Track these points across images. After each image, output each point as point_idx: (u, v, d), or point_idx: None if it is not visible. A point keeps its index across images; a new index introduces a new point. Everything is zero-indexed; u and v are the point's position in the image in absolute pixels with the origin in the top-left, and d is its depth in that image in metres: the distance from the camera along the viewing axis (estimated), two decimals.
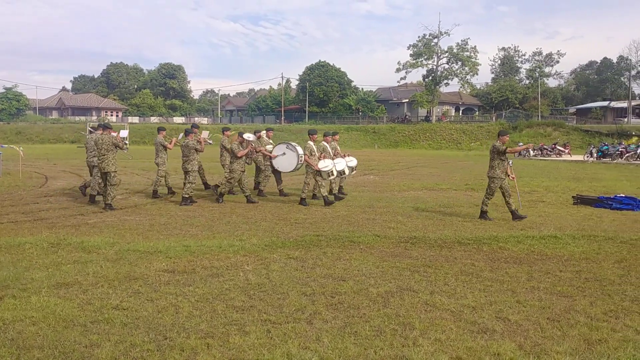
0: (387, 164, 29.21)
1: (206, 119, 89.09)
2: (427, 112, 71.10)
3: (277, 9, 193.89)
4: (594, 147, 37.02)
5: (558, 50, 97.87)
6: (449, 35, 68.11)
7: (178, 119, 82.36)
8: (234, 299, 5.59)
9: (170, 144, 14.12)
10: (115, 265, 6.91)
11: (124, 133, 15.45)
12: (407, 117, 71.59)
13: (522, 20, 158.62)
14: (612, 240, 8.70)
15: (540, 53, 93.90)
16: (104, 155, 11.83)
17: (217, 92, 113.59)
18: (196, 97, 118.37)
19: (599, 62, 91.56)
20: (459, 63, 66.72)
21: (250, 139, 13.41)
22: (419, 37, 69.84)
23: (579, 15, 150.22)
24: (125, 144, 15.97)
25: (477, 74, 67.70)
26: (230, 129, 15.46)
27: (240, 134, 13.37)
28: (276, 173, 14.56)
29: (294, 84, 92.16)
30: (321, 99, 77.49)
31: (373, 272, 6.72)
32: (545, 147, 40.73)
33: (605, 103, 74.55)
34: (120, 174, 20.50)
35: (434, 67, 67.36)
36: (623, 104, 69.68)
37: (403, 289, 5.99)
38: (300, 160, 13.72)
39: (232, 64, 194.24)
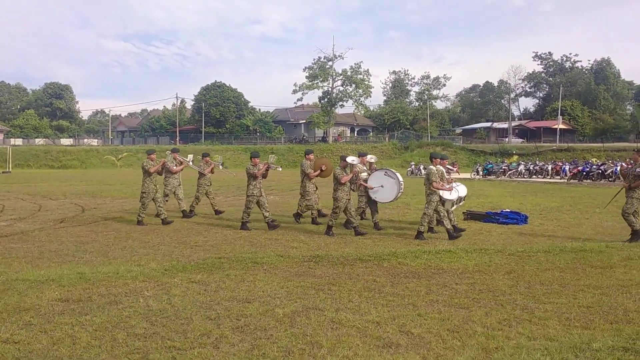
0: (286, 184, 29.30)
1: (96, 140, 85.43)
2: (324, 132, 72.53)
3: (169, 28, 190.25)
4: (479, 166, 39.34)
5: (444, 74, 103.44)
6: (342, 58, 70.25)
7: (65, 141, 78.34)
8: (135, 327, 5.36)
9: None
10: (2, 296, 6.41)
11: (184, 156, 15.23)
12: (304, 137, 72.61)
13: (410, 45, 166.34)
14: (501, 253, 9.23)
15: (428, 77, 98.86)
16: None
17: (107, 112, 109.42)
18: (85, 117, 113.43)
19: (482, 85, 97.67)
20: (353, 85, 68.90)
21: (355, 163, 12.04)
22: (314, 59, 71.46)
23: (461, 41, 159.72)
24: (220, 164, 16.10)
25: (370, 96, 70.33)
26: (313, 151, 14.07)
27: (343, 158, 12.02)
28: (372, 203, 12.72)
29: (189, 104, 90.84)
30: (218, 119, 76.87)
31: (278, 293, 6.69)
32: None
33: (488, 124, 79.45)
34: (3, 199, 19.19)
35: (329, 89, 69.05)
36: (504, 125, 74.51)
37: (309, 308, 6.01)
38: (402, 189, 12.41)
39: (123, 83, 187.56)
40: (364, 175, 12.65)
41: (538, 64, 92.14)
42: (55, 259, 8.87)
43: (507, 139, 66.68)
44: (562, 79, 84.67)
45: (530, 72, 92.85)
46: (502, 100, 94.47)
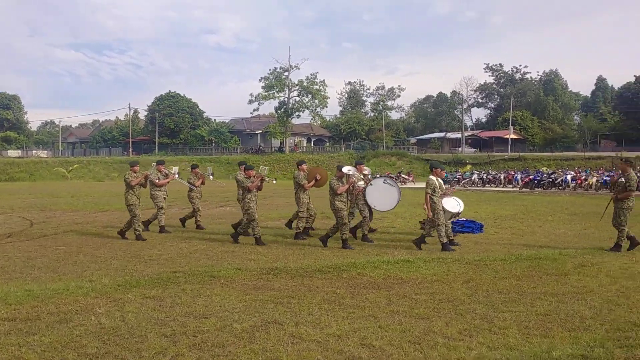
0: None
1: (46, 152, 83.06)
2: (281, 143, 72.39)
3: (121, 38, 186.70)
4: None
5: (399, 85, 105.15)
6: (298, 69, 70.39)
7: (13, 153, 75.90)
8: (86, 346, 5.12)
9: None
10: None
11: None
12: (261, 147, 72.24)
13: (365, 56, 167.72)
14: (459, 262, 9.28)
15: (383, 88, 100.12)
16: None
17: (57, 123, 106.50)
18: (34, 128, 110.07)
19: (435, 96, 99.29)
20: (309, 96, 68.98)
21: (351, 173, 11.75)
22: (270, 70, 71.29)
23: (415, 53, 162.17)
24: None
25: (326, 107, 70.59)
26: (305, 161, 13.43)
27: (339, 168, 11.90)
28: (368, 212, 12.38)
29: (142, 114, 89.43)
30: (172, 130, 75.79)
31: (236, 307, 6.54)
32: (391, 175, 43.04)
33: (441, 134, 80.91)
34: None
35: (286, 99, 68.94)
36: (457, 135, 76.01)
37: (268, 323, 5.88)
38: (400, 197, 12.07)
39: (74, 94, 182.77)
40: (361, 184, 12.34)
41: (489, 75, 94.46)
42: (1, 276, 8.47)
43: (460, 149, 68.00)
44: (513, 90, 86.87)
45: (482, 83, 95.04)
46: (455, 111, 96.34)
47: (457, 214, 12.17)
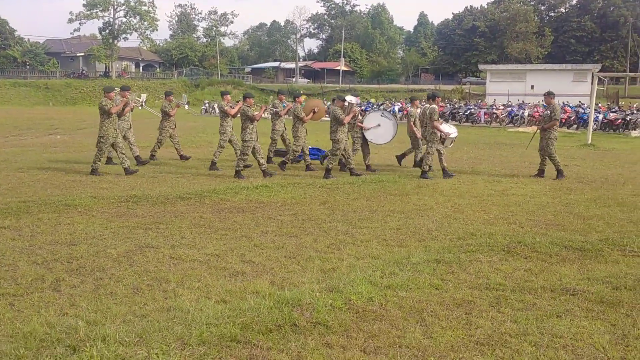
0: (71, 123, 27.33)
1: None
2: (106, 67, 67.85)
3: None
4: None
5: (232, 11, 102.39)
6: None
7: None
8: None
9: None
10: None
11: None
12: (84, 72, 67.07)
13: None
14: (313, 186, 9.88)
15: (215, 12, 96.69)
16: None
17: None
18: None
19: (269, 24, 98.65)
20: (137, 17, 65.11)
21: (354, 102, 11.35)
22: None
23: None
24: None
25: (156, 30, 67.41)
26: (302, 94, 12.75)
27: (340, 98, 11.35)
28: (365, 145, 12.49)
29: None
30: None
31: (104, 234, 6.48)
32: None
33: (276, 64, 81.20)
34: None
35: (111, 19, 64.37)
36: (291, 65, 76.83)
37: (143, 247, 5.95)
38: (396, 131, 12.52)
39: None
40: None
41: (321, 6, 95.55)
42: None
43: (294, 79, 68.99)
44: (343, 22, 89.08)
45: (314, 13, 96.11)
46: (289, 41, 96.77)
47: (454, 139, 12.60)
